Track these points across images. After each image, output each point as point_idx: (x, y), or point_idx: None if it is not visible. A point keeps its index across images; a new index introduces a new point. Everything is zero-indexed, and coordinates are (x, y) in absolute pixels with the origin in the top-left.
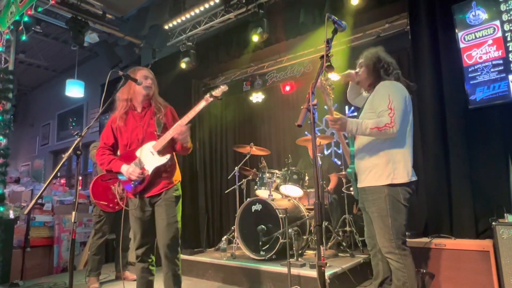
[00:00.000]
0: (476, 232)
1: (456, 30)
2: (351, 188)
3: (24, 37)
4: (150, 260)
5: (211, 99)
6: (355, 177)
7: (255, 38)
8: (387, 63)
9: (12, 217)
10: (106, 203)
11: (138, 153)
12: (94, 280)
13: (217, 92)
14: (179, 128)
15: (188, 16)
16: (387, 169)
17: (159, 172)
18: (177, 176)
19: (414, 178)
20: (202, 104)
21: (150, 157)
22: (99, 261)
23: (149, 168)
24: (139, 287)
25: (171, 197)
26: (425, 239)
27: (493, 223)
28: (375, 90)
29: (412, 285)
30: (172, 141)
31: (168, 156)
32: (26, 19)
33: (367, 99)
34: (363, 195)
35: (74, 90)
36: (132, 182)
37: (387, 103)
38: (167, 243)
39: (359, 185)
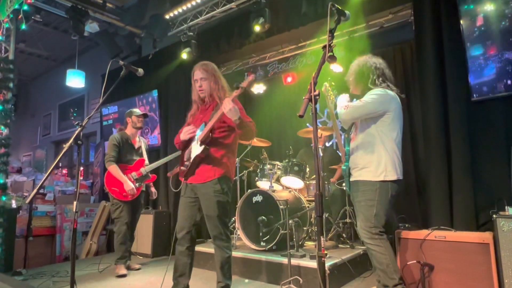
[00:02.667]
0: (476, 225)
1: (461, 21)
2: (343, 184)
3: (23, 26)
4: (188, 245)
5: (240, 90)
6: (349, 173)
7: (256, 28)
8: (376, 74)
9: (15, 206)
10: (117, 190)
11: (193, 143)
12: (121, 268)
13: (244, 83)
14: (224, 103)
15: (189, 5)
16: (380, 167)
17: (200, 162)
18: (221, 171)
19: (401, 177)
20: (234, 94)
21: (195, 146)
22: (126, 249)
23: (192, 156)
24: (175, 268)
25: (210, 191)
26: (425, 231)
27: (494, 215)
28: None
29: (394, 265)
30: (224, 133)
31: (203, 147)
32: (25, 7)
33: None
34: (354, 186)
35: (75, 80)
36: (183, 166)
37: (366, 98)
38: (211, 233)
39: (352, 179)
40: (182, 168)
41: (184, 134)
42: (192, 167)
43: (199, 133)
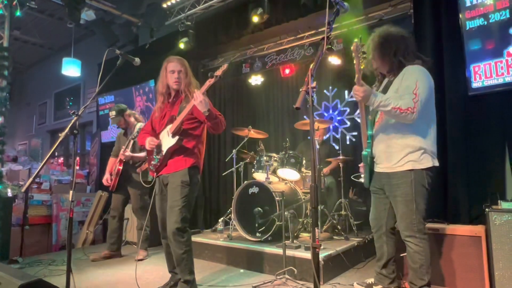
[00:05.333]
0: (469, 218)
1: (460, 15)
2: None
3: (18, 13)
4: None
5: (214, 79)
6: (371, 161)
7: (255, 18)
8: (405, 45)
9: (10, 195)
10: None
11: (161, 136)
12: (143, 252)
13: (218, 72)
14: (195, 95)
15: None
16: (414, 154)
17: (173, 153)
18: (192, 161)
19: (437, 164)
20: (207, 84)
21: (166, 139)
22: (146, 235)
23: (164, 149)
24: (167, 261)
25: (177, 181)
26: None
27: (487, 209)
28: (403, 75)
29: (428, 267)
30: (193, 124)
31: (176, 138)
32: None
33: (388, 84)
34: (384, 179)
35: (71, 68)
36: (153, 161)
37: (413, 89)
38: (168, 226)
39: (379, 169)
40: (153, 163)
41: (147, 145)
42: (165, 160)
43: (169, 126)
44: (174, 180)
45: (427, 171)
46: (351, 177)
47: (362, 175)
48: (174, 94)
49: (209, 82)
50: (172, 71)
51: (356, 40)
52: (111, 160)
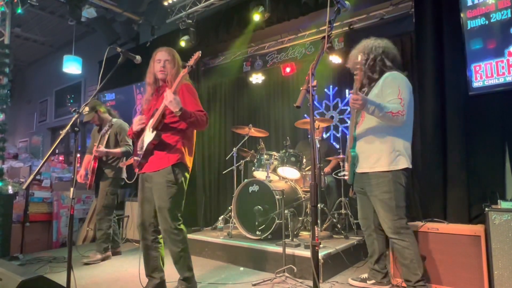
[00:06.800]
0: (469, 217)
1: (461, 14)
2: (339, 174)
3: (19, 10)
4: (152, 237)
5: (187, 69)
6: (355, 161)
7: (256, 17)
8: (391, 55)
9: (11, 192)
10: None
11: (146, 130)
12: (97, 254)
13: (190, 61)
14: (165, 95)
15: None
16: (391, 155)
17: (154, 149)
18: (176, 157)
19: (411, 166)
20: (181, 75)
21: (147, 134)
22: (108, 235)
23: (145, 144)
24: (145, 264)
25: (162, 181)
26: (418, 223)
27: (486, 208)
28: (383, 80)
29: (418, 261)
30: (176, 118)
31: (154, 132)
32: None
33: (368, 90)
34: (365, 179)
35: (72, 66)
36: (136, 156)
37: (397, 93)
38: (161, 226)
39: (360, 170)
40: (136, 158)
41: (134, 125)
42: (146, 156)
43: (151, 121)
44: (158, 180)
45: (403, 172)
46: (332, 174)
47: (346, 172)
48: (161, 85)
49: (182, 73)
50: (159, 60)
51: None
52: (87, 157)
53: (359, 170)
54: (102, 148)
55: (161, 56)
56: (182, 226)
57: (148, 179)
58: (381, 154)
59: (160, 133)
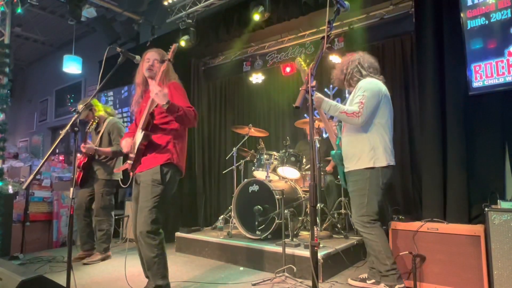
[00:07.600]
0: (468, 217)
1: (462, 14)
2: (338, 177)
3: (19, 10)
4: None
5: (166, 62)
6: (340, 161)
7: (256, 17)
8: (367, 63)
9: (11, 192)
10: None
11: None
12: (99, 255)
13: (168, 55)
14: (151, 88)
15: None
16: (369, 154)
17: (145, 150)
18: (165, 157)
19: (392, 163)
20: (162, 68)
21: (138, 135)
22: (108, 235)
23: (136, 146)
24: (143, 265)
25: (148, 180)
26: (418, 223)
27: (486, 208)
28: (356, 88)
29: (387, 252)
30: (166, 118)
31: (143, 133)
32: None
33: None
34: (348, 177)
35: (72, 66)
36: (129, 160)
37: (361, 98)
38: (138, 228)
39: (346, 169)
40: (129, 162)
41: (124, 148)
42: (138, 157)
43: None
44: (145, 178)
45: (382, 169)
46: (335, 180)
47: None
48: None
49: (163, 67)
50: (148, 59)
51: (297, 58)
52: (79, 156)
53: (345, 169)
54: (90, 145)
55: (150, 55)
56: (160, 230)
57: (138, 179)
58: (361, 154)
59: (149, 134)
